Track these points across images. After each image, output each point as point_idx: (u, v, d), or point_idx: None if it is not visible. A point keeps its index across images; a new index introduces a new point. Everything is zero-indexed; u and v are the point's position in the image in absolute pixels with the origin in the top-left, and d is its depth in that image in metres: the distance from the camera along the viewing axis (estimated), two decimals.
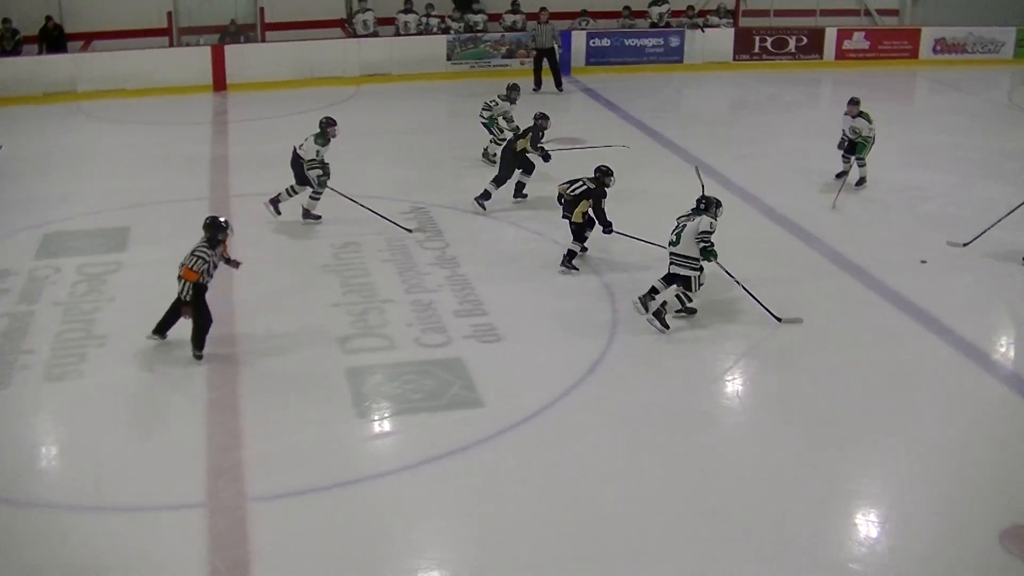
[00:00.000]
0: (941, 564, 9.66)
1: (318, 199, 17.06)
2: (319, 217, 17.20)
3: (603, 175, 15.50)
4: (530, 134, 18.18)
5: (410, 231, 16.84)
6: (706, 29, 30.60)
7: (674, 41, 30.11)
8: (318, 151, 16.71)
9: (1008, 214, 16.56)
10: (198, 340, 12.50)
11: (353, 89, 26.71)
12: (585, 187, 15.44)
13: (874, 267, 15.75)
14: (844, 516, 10.36)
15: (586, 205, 15.41)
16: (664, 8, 30.51)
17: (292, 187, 17.07)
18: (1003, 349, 14.09)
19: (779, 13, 32.48)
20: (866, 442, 11.57)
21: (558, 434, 11.38)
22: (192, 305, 12.31)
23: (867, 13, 34.19)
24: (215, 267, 12.48)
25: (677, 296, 13.88)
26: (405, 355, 12.85)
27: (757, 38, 31.15)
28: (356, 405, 11.77)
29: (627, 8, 30.34)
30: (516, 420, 11.47)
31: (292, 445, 10.97)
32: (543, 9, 27.37)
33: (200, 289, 12.29)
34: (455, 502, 10.29)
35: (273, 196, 17.11)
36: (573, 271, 15.56)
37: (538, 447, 11.13)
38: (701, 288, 13.90)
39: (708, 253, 13.59)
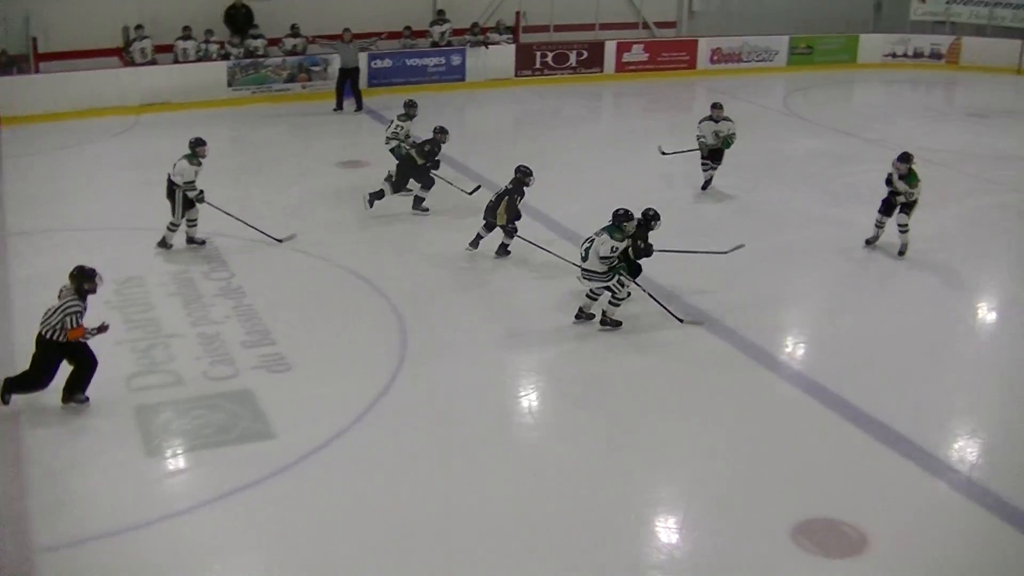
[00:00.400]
0: (738, 562, 9.96)
1: (184, 227, 17.04)
2: (203, 241, 17.16)
3: (523, 175, 16.46)
4: (420, 146, 18.76)
5: (280, 240, 17.06)
6: (489, 46, 30.76)
7: (456, 59, 30.23)
8: (196, 171, 16.63)
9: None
10: (82, 385, 12.11)
11: (133, 119, 26.09)
12: (504, 189, 16.35)
13: (660, 275, 16.05)
14: (642, 524, 10.60)
15: (505, 206, 16.30)
16: (445, 27, 30.56)
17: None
18: (789, 349, 14.56)
19: (559, 28, 32.77)
20: (659, 448, 11.87)
21: (352, 461, 11.35)
22: (72, 351, 11.92)
23: (645, 26, 34.77)
24: (83, 314, 11.98)
25: (610, 302, 14.42)
26: (193, 390, 12.63)
27: (538, 53, 31.48)
28: (145, 444, 11.50)
29: (408, 28, 30.28)
30: (309, 449, 11.39)
31: (80, 490, 10.69)
32: (346, 29, 27.21)
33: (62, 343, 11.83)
34: (251, 537, 10.18)
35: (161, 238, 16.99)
36: (506, 255, 16.93)
37: (333, 475, 11.07)
38: (624, 288, 14.35)
39: (616, 271, 14.19)
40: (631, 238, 14.65)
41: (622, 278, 14.34)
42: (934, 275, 17.13)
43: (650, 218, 14.91)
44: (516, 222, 16.73)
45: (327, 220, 18.39)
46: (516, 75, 31.11)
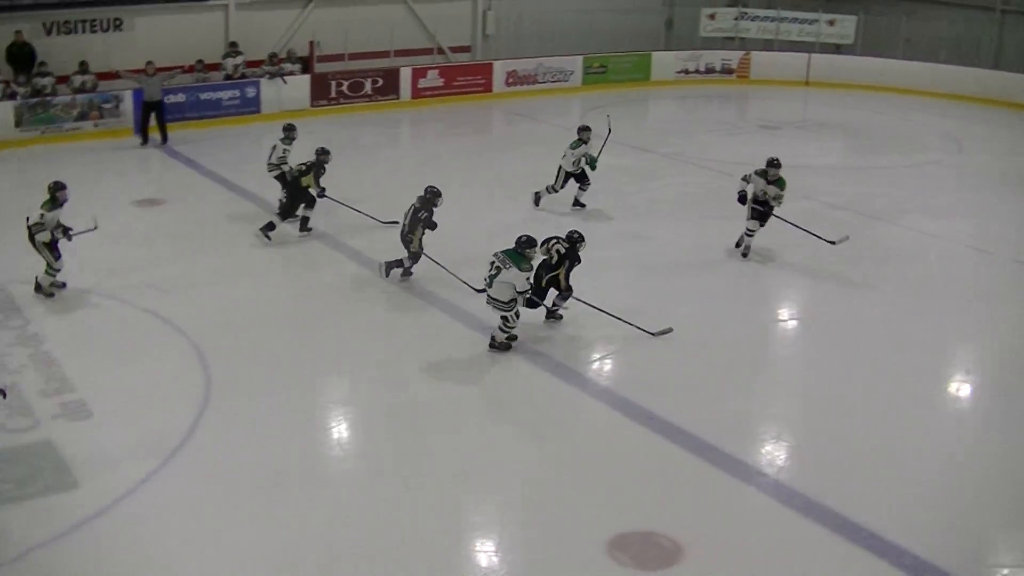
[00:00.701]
0: None
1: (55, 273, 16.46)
2: (64, 285, 16.59)
3: (434, 196, 16.48)
4: (313, 171, 18.79)
5: (94, 228, 16.68)
6: (287, 78, 30.31)
7: (250, 92, 29.73)
8: (42, 215, 16.09)
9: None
10: None
11: None
12: (415, 214, 16.34)
13: (458, 297, 16.31)
14: (458, 547, 10.63)
15: (420, 231, 16.37)
16: (239, 59, 30.13)
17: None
18: (596, 365, 14.71)
19: (353, 56, 32.51)
20: (472, 471, 11.91)
21: (161, 505, 11.07)
22: None
23: (440, 51, 34.85)
24: None
25: (500, 328, 14.43)
26: None
27: (333, 83, 31.21)
28: None
29: (200, 61, 29.74)
30: (115, 497, 11.07)
31: None
32: (149, 62, 26.59)
33: None
34: None
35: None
36: (409, 276, 17.06)
37: (142, 521, 10.79)
38: (518, 319, 14.45)
39: (517, 302, 14.31)
40: (567, 261, 15.00)
41: (519, 310, 14.47)
42: (735, 285, 17.50)
43: (575, 240, 15.15)
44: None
45: (124, 261, 17.88)
46: (312, 105, 30.70)
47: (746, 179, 18.30)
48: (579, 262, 15.25)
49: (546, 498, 11.39)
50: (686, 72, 37.15)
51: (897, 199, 21.16)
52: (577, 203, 21.40)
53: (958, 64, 34.99)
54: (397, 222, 17.65)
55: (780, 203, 18.32)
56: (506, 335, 14.58)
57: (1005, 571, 10.64)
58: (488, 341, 14.80)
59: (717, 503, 11.41)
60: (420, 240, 16.70)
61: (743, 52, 37.51)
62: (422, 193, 16.75)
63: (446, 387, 13.91)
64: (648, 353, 14.96)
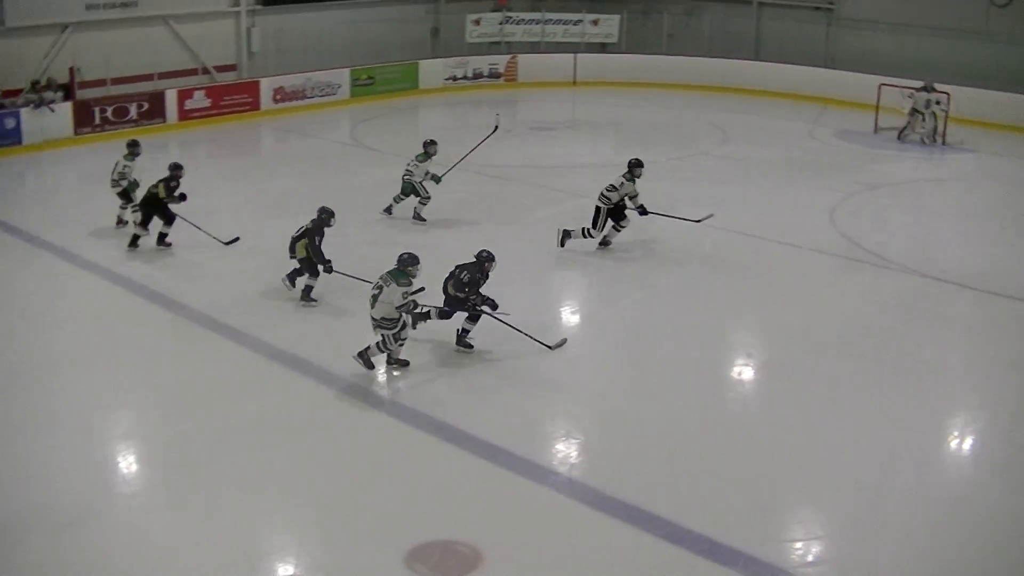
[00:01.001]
0: None
1: None
2: None
3: (328, 216, 16.50)
4: (164, 183, 19.05)
5: None
6: (53, 106, 29.24)
7: (10, 123, 28.55)
8: None
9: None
10: None
11: None
12: (304, 228, 16.65)
13: (245, 323, 16.10)
14: (258, 571, 10.54)
15: (304, 243, 16.48)
16: None
17: None
18: (382, 378, 14.71)
19: (117, 81, 31.65)
20: (263, 493, 11.80)
21: None
22: None
23: (205, 71, 34.29)
24: None
25: (377, 344, 14.25)
26: None
27: (97, 109, 30.22)
28: None
29: None
30: None
31: None
32: None
33: None
34: None
35: None
36: (312, 303, 16.75)
37: None
38: (400, 343, 14.31)
39: (418, 317, 14.64)
40: (474, 283, 14.93)
41: (400, 332, 14.31)
42: (518, 288, 17.54)
43: (484, 259, 15.09)
44: (326, 263, 16.77)
45: None
46: (75, 133, 29.62)
47: (618, 187, 18.93)
48: (485, 280, 15.20)
49: (342, 514, 11.34)
50: (454, 79, 37.43)
51: (669, 192, 21.56)
52: (417, 216, 21.61)
53: (720, 57, 36.04)
54: (238, 238, 18.01)
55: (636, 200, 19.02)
56: (380, 352, 14.47)
57: (798, 544, 10.92)
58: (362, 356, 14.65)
59: (513, 506, 11.50)
60: (305, 249, 16.68)
61: (510, 56, 37.93)
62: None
63: (233, 411, 13.70)
64: (433, 362, 14.97)
